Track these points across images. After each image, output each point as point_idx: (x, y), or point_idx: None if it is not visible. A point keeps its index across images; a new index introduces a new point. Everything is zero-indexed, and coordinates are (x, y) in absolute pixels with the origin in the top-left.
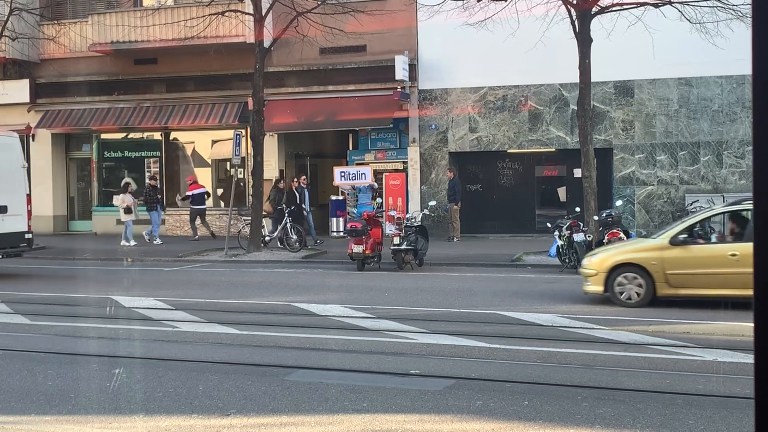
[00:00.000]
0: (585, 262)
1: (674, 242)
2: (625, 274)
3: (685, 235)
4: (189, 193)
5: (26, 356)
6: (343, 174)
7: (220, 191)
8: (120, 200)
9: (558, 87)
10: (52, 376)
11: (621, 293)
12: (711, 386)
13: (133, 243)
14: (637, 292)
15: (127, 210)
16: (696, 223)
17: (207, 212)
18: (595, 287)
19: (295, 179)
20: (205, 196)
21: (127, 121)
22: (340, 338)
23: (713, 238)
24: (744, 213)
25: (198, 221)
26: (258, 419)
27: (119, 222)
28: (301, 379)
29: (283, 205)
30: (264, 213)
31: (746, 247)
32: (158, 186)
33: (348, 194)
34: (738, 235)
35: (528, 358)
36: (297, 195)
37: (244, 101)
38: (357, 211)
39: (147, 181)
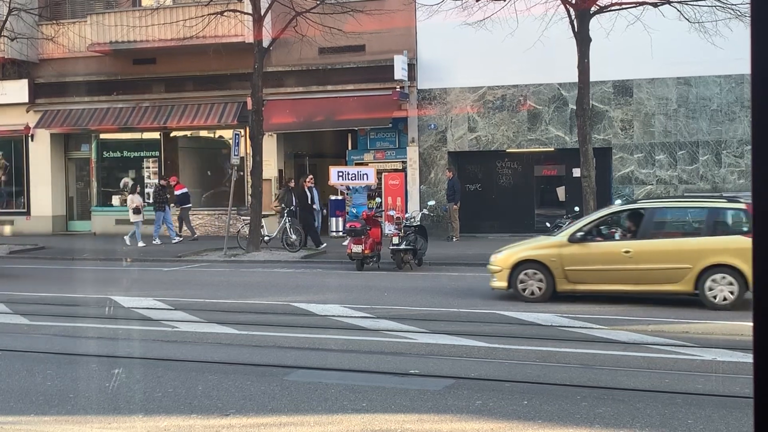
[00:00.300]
0: (492, 259)
1: (572, 240)
2: (526, 271)
3: (582, 233)
4: (177, 192)
5: (25, 356)
6: (341, 174)
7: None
8: (129, 200)
9: (557, 86)
10: (51, 377)
11: (523, 289)
12: (710, 385)
13: (141, 243)
14: (538, 287)
15: (136, 210)
16: (593, 221)
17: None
18: (500, 283)
19: (308, 178)
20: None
21: (126, 121)
22: (339, 338)
23: (617, 237)
24: (638, 212)
25: (186, 216)
26: (257, 419)
27: (129, 222)
28: (301, 379)
29: (292, 206)
30: (273, 212)
31: (639, 245)
32: (167, 186)
33: (347, 194)
34: (632, 233)
35: (527, 358)
36: (309, 195)
37: (243, 101)
38: (351, 211)
39: (157, 180)
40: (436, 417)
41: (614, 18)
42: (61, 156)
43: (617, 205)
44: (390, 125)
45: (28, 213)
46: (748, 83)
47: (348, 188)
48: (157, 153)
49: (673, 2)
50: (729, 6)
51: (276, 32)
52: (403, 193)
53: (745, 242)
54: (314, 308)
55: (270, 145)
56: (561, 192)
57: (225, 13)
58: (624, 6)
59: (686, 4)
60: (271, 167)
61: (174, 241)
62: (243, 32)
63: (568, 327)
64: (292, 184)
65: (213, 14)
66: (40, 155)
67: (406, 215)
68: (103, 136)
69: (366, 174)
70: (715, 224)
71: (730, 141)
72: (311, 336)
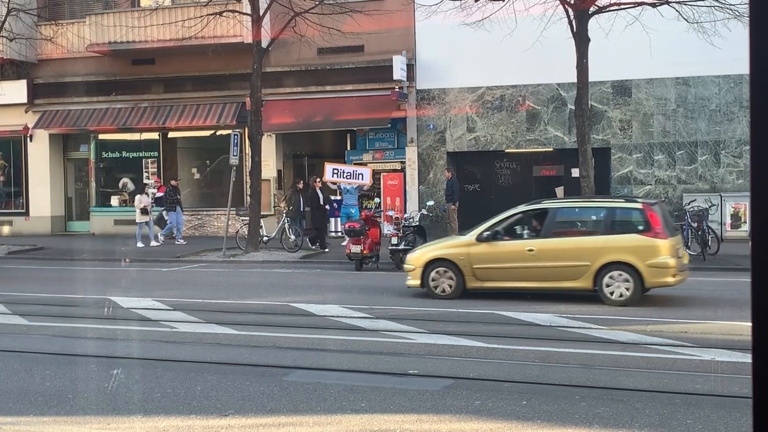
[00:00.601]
0: (407, 258)
1: (480, 239)
2: (438, 269)
3: (489, 233)
4: (159, 194)
5: (24, 357)
6: (336, 171)
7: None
8: (137, 200)
9: (556, 87)
10: (50, 377)
11: (435, 287)
12: (709, 386)
13: (154, 243)
14: (449, 285)
15: (144, 211)
16: (500, 221)
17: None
18: (414, 281)
19: (318, 179)
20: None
21: (125, 121)
22: (338, 338)
23: (523, 236)
24: (542, 212)
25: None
26: (256, 419)
27: (133, 222)
28: (300, 380)
29: (300, 207)
30: (284, 212)
31: (542, 243)
32: (178, 186)
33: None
34: (536, 232)
35: (526, 358)
36: (320, 195)
37: (241, 101)
38: (342, 212)
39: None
40: (435, 417)
41: (613, 18)
42: (59, 156)
43: (522, 206)
44: (389, 125)
45: (26, 213)
46: (747, 83)
47: (339, 187)
48: (156, 153)
49: (671, 2)
50: (727, 6)
51: (275, 32)
52: (401, 194)
53: (641, 241)
54: (313, 308)
55: (269, 146)
56: (560, 192)
57: (224, 14)
58: (623, 6)
59: (685, 4)
60: (269, 168)
61: (178, 242)
62: (242, 32)
63: (567, 327)
64: (300, 186)
65: (212, 15)
66: (39, 156)
67: (405, 215)
68: (101, 136)
69: (361, 173)
70: (612, 223)
71: (729, 141)
72: (310, 336)
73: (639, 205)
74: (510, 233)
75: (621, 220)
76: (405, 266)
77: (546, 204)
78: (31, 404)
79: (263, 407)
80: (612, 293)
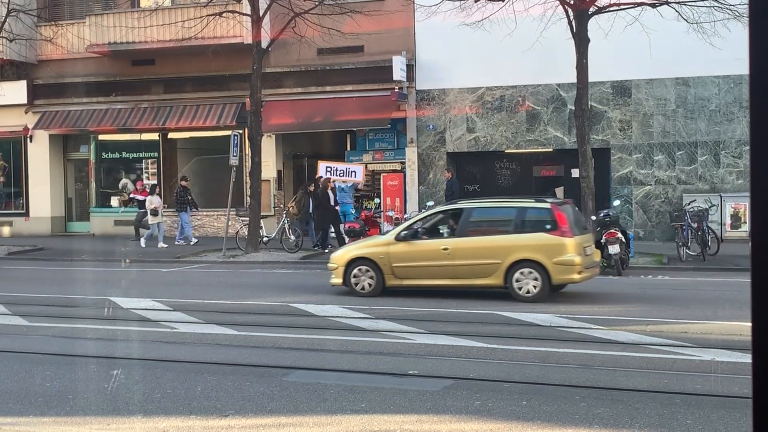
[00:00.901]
0: (331, 257)
1: (399, 238)
2: (359, 268)
3: (407, 232)
4: (140, 197)
5: (24, 358)
6: (329, 168)
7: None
8: (148, 201)
9: (555, 87)
10: (50, 378)
11: (357, 285)
12: (709, 386)
13: (163, 244)
14: (369, 283)
15: (154, 212)
16: (418, 221)
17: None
18: (337, 279)
19: (331, 179)
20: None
21: (125, 122)
22: (338, 339)
23: (440, 235)
24: (457, 212)
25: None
26: (256, 420)
27: (149, 224)
28: (300, 380)
29: (310, 209)
30: (295, 215)
31: (456, 242)
32: (189, 186)
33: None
34: (451, 231)
35: (526, 358)
36: (332, 196)
37: (241, 102)
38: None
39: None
40: (435, 417)
41: (613, 19)
42: (59, 157)
43: (439, 207)
44: (389, 126)
45: (26, 214)
46: (747, 84)
47: (334, 186)
48: (156, 154)
49: (671, 3)
50: (727, 6)
51: (275, 33)
52: (401, 194)
53: (548, 239)
54: (313, 309)
55: (269, 146)
56: (560, 192)
57: (224, 14)
58: (622, 7)
59: (684, 4)
60: (269, 168)
61: (191, 242)
62: (242, 33)
63: (566, 327)
64: (312, 188)
65: (212, 15)
66: (39, 156)
67: (405, 216)
68: (101, 137)
69: (354, 171)
70: (522, 223)
71: (729, 141)
72: (310, 337)
73: (547, 205)
74: (427, 233)
75: (530, 220)
76: (329, 265)
77: (461, 204)
78: (31, 405)
79: (263, 407)
80: (521, 289)
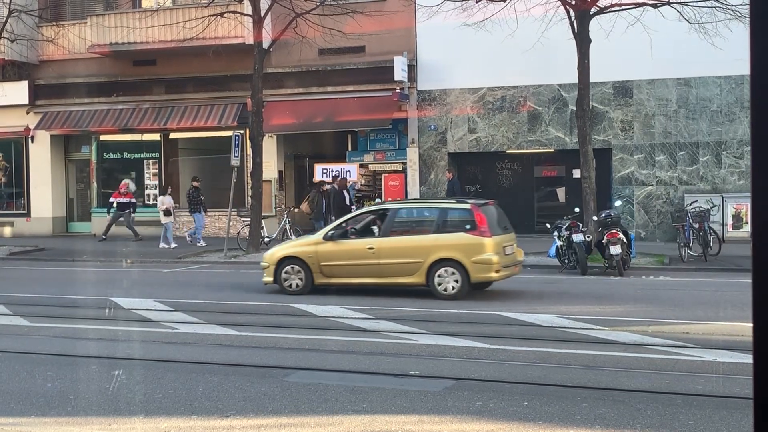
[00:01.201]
0: (263, 256)
1: (327, 238)
2: (289, 266)
3: (334, 232)
4: (122, 200)
5: (26, 358)
6: (325, 171)
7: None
8: (160, 202)
9: (557, 87)
10: (51, 378)
11: (287, 283)
12: (710, 386)
13: (174, 245)
14: (299, 282)
15: (167, 212)
16: (346, 221)
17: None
18: (268, 278)
19: (348, 179)
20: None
21: (126, 122)
22: (339, 339)
23: (367, 234)
24: (383, 212)
25: (115, 221)
26: (258, 420)
27: (161, 224)
28: (301, 380)
29: (321, 208)
30: (307, 214)
31: (381, 242)
32: (200, 187)
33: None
34: (377, 231)
35: (527, 359)
36: (347, 196)
37: (243, 102)
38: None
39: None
40: (436, 418)
41: (614, 19)
42: (61, 157)
43: (367, 207)
44: (390, 126)
45: (28, 214)
46: (748, 84)
47: (331, 186)
48: (158, 154)
49: (672, 3)
50: (729, 7)
51: (276, 33)
52: (403, 194)
53: (467, 239)
54: (314, 309)
55: (270, 147)
56: (561, 193)
57: (225, 15)
58: (624, 7)
59: (686, 5)
60: (271, 168)
61: (198, 244)
62: (243, 33)
63: (568, 328)
64: (326, 188)
65: (213, 15)
66: (41, 157)
67: None
68: (103, 137)
69: (349, 171)
70: (444, 223)
71: (730, 142)
72: (311, 337)
73: (467, 206)
74: (354, 232)
75: (452, 220)
76: (261, 264)
77: (387, 205)
78: (32, 405)
79: (264, 408)
80: (442, 287)
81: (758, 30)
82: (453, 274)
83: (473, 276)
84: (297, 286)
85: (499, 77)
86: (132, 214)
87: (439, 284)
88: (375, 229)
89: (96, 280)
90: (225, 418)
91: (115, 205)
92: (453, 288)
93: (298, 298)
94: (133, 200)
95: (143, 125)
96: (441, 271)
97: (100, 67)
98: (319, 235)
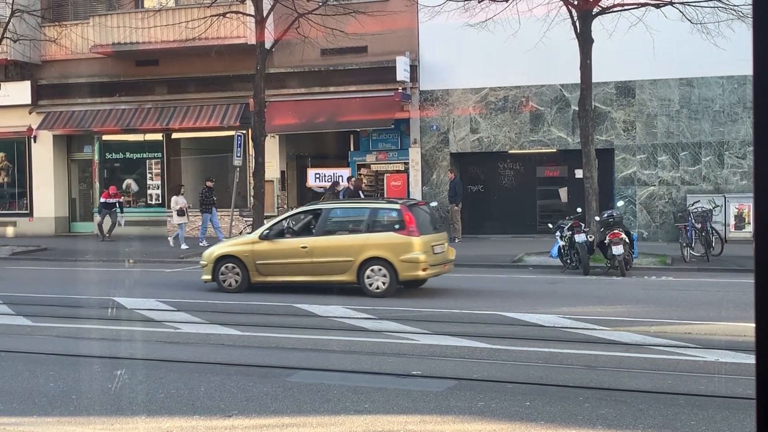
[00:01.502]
0: (203, 255)
1: (263, 237)
2: (226, 265)
3: (270, 231)
4: (103, 200)
5: (28, 358)
6: (317, 175)
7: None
8: (173, 202)
9: (559, 87)
10: (54, 378)
11: (224, 281)
12: (713, 387)
13: (184, 246)
14: (235, 280)
15: (180, 212)
16: (281, 221)
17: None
18: (207, 276)
19: (362, 178)
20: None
21: (129, 122)
22: (341, 339)
23: (301, 234)
24: (317, 212)
25: (103, 221)
26: (260, 420)
27: (176, 225)
28: (303, 380)
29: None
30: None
31: (314, 241)
32: (213, 187)
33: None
34: (309, 230)
35: (530, 359)
36: (362, 195)
37: (245, 102)
38: None
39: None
40: (438, 418)
41: (616, 19)
42: (63, 157)
43: (302, 207)
44: (392, 126)
45: (30, 214)
46: (751, 84)
47: (324, 190)
48: (160, 154)
49: (675, 3)
50: (731, 7)
51: (278, 34)
52: (405, 195)
53: (396, 238)
54: (316, 309)
55: (272, 147)
56: (563, 193)
57: (227, 15)
58: (626, 7)
59: (688, 5)
60: (273, 168)
61: (201, 243)
62: (245, 34)
63: (570, 328)
64: (339, 187)
65: (215, 16)
66: (43, 157)
67: None
68: (105, 137)
69: (341, 175)
70: (374, 223)
71: (733, 142)
72: (313, 337)
73: (397, 206)
74: (289, 232)
75: (381, 220)
76: (201, 262)
77: (320, 205)
78: (35, 405)
79: (267, 408)
80: (372, 285)
81: (761, 30)
82: (381, 272)
83: (401, 274)
84: (234, 284)
85: (502, 77)
86: (119, 214)
87: (369, 282)
88: (309, 228)
89: (98, 280)
90: (227, 418)
91: (101, 200)
92: (382, 286)
93: (300, 298)
94: (120, 200)
95: (146, 125)
96: (371, 269)
97: (103, 67)
98: (256, 234)
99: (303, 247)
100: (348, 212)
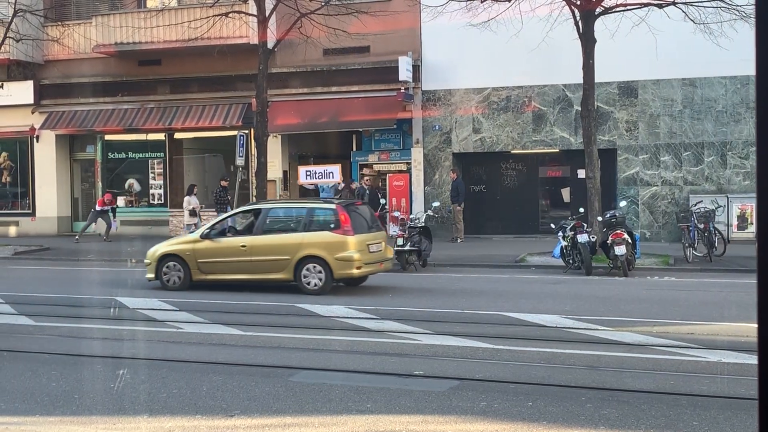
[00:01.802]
0: (147, 253)
1: (203, 236)
2: (169, 263)
3: (210, 231)
4: (99, 208)
5: (30, 357)
6: (308, 173)
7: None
8: (186, 202)
9: (562, 87)
10: (56, 377)
11: (166, 279)
12: (715, 387)
13: None
14: (178, 278)
15: (192, 213)
16: (222, 220)
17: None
18: (150, 275)
19: (330, 181)
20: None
21: (131, 122)
22: (343, 339)
23: (241, 233)
24: (256, 212)
25: (95, 224)
26: (262, 420)
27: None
28: (305, 380)
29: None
30: None
31: (253, 240)
32: (228, 187)
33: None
34: (250, 230)
35: (532, 359)
36: (379, 195)
37: (247, 102)
38: None
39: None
40: (440, 418)
41: (619, 19)
42: (66, 157)
43: (242, 207)
44: (394, 126)
45: (33, 214)
46: (753, 84)
47: (316, 187)
48: (162, 154)
49: (678, 3)
50: (734, 7)
51: (281, 33)
52: (407, 194)
53: (331, 237)
54: (318, 309)
55: (274, 147)
56: (566, 193)
57: (230, 15)
58: (629, 7)
59: (691, 5)
60: (275, 168)
61: None
62: (248, 33)
63: (572, 328)
64: (353, 186)
65: (218, 16)
66: (46, 156)
67: (411, 216)
68: (108, 137)
69: (331, 172)
70: (311, 222)
71: (736, 142)
72: (315, 337)
73: (333, 206)
74: (229, 231)
75: (318, 219)
76: (145, 261)
77: (260, 205)
78: (37, 404)
79: (269, 408)
80: (308, 283)
81: (763, 30)
82: (317, 269)
83: (336, 272)
84: (176, 282)
85: (504, 77)
86: (112, 217)
87: (306, 281)
88: (248, 227)
89: (100, 280)
90: (229, 417)
91: (97, 209)
92: (319, 283)
93: (303, 298)
94: (114, 206)
95: (148, 125)
96: (307, 267)
97: (105, 66)
98: (197, 233)
99: (242, 246)
100: (286, 212)
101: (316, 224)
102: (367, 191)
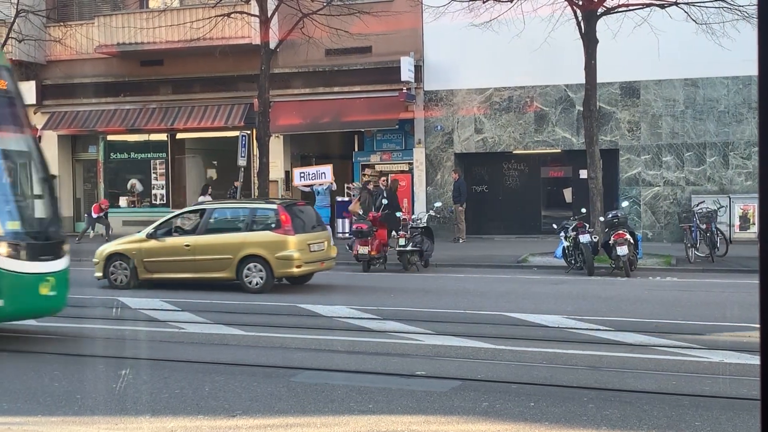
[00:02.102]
0: (96, 252)
1: (149, 236)
2: (116, 263)
3: (156, 230)
4: (95, 215)
5: (32, 357)
6: (302, 174)
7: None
8: (200, 201)
9: (564, 88)
10: (58, 377)
11: (114, 278)
12: (717, 388)
13: None
14: (124, 276)
15: None
16: (167, 220)
17: None
18: (98, 273)
19: (322, 181)
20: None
21: (133, 122)
22: (345, 339)
23: (185, 232)
24: (200, 212)
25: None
26: (264, 420)
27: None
28: (307, 380)
29: (371, 208)
30: (357, 214)
31: (197, 239)
32: (240, 187)
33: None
34: (194, 230)
35: (534, 360)
36: (396, 197)
37: (249, 102)
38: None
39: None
40: (442, 418)
41: (621, 19)
42: (68, 157)
43: (187, 208)
44: (396, 127)
45: None
46: (756, 85)
47: (311, 189)
48: (164, 155)
49: (680, 4)
50: (736, 7)
51: (283, 34)
52: (409, 195)
53: (272, 237)
54: (320, 309)
55: (276, 147)
56: (568, 193)
57: (232, 15)
58: (631, 7)
59: (693, 5)
60: (277, 168)
61: None
62: (250, 34)
63: (574, 329)
64: (371, 186)
65: (220, 16)
66: (48, 157)
67: (413, 216)
68: (110, 137)
69: (323, 172)
70: (253, 222)
71: (738, 142)
72: (317, 337)
73: (274, 206)
74: (175, 230)
75: (260, 220)
76: (93, 260)
77: (204, 205)
78: (39, 404)
79: (271, 408)
80: (250, 282)
81: (766, 31)
82: (258, 268)
83: (276, 271)
84: (123, 280)
85: (506, 78)
86: (107, 220)
87: (248, 279)
88: (192, 227)
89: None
90: (231, 417)
91: (93, 216)
92: (260, 281)
93: (305, 298)
94: (107, 210)
95: (150, 125)
96: (248, 267)
97: (108, 67)
98: (143, 233)
99: (186, 246)
100: (229, 212)
101: (258, 224)
102: (384, 192)
